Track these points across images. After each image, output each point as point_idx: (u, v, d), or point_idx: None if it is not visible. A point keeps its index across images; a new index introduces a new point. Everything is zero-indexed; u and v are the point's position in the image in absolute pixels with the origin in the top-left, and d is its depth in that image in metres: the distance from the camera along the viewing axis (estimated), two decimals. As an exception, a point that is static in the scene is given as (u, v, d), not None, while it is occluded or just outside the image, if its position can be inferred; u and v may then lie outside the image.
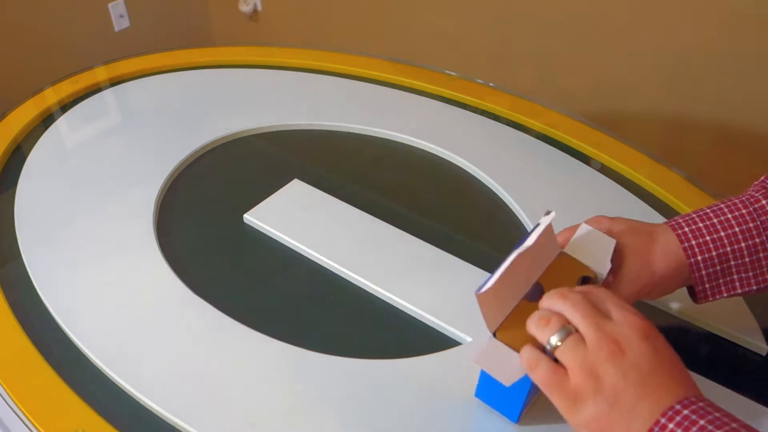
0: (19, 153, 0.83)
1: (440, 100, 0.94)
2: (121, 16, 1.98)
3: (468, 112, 0.91)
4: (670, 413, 0.36)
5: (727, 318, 0.59)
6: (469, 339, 0.58)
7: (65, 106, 0.92)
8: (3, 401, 0.53)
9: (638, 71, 1.46)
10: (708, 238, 0.50)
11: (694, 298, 0.53)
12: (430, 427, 0.50)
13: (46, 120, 0.89)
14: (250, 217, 0.71)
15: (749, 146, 1.40)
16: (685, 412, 0.36)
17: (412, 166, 0.82)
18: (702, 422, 0.35)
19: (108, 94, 0.95)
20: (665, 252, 0.50)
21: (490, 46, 1.66)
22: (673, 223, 0.51)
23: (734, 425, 0.35)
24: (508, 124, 0.88)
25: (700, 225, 0.50)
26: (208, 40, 2.30)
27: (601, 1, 1.42)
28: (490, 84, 0.97)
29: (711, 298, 0.52)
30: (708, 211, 0.51)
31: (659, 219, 0.71)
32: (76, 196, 0.74)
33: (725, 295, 0.51)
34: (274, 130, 0.88)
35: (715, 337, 0.59)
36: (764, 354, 0.58)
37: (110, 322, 0.59)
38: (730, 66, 1.33)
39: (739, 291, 0.51)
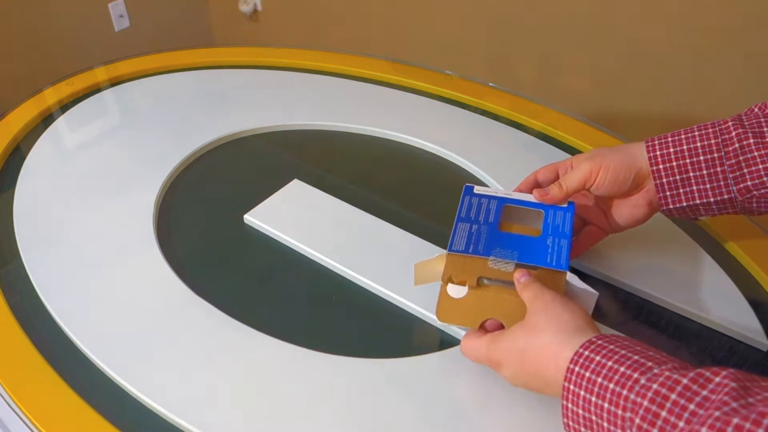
0: (18, 153, 0.83)
1: (440, 100, 0.94)
2: (121, 16, 1.98)
3: (468, 112, 0.91)
4: (586, 343, 0.42)
5: (727, 313, 0.59)
6: (469, 339, 0.58)
7: (65, 106, 0.92)
8: (4, 402, 0.53)
9: (638, 71, 1.46)
10: (671, 150, 0.56)
11: (660, 209, 0.58)
12: (431, 426, 0.50)
13: (46, 120, 0.89)
14: (251, 218, 0.71)
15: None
16: (599, 341, 0.42)
17: (412, 166, 0.82)
18: (611, 346, 0.41)
19: (108, 94, 0.95)
20: (631, 164, 0.56)
21: (490, 46, 1.66)
22: (648, 139, 0.57)
23: (637, 348, 0.41)
24: (508, 124, 0.88)
25: (669, 139, 0.56)
26: (208, 40, 2.30)
27: (601, 1, 1.42)
28: (490, 84, 0.97)
29: (672, 206, 0.57)
30: (681, 131, 0.57)
31: (660, 218, 0.71)
32: (75, 197, 0.74)
33: (684, 203, 0.56)
34: (274, 130, 0.88)
35: (716, 333, 0.59)
36: (765, 350, 0.58)
37: (110, 323, 0.59)
38: (731, 66, 1.33)
39: (698, 201, 0.56)
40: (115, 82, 0.98)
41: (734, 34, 1.29)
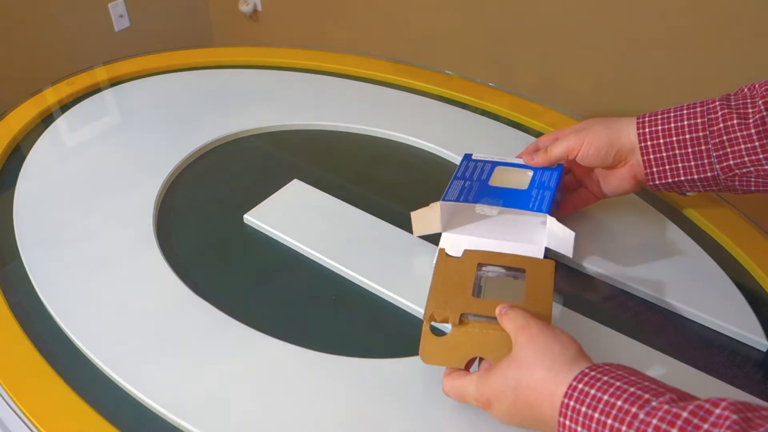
0: (18, 153, 0.83)
1: (440, 100, 0.94)
2: (121, 16, 1.98)
3: (468, 112, 0.91)
4: (579, 376, 0.41)
5: (726, 314, 0.59)
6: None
7: (65, 106, 0.92)
8: (4, 402, 0.53)
9: (638, 71, 1.46)
10: (659, 127, 0.57)
11: (647, 184, 0.60)
12: (431, 426, 0.50)
13: (46, 120, 0.89)
14: (251, 218, 0.71)
15: (749, 146, 1.39)
16: (593, 373, 0.41)
17: (412, 166, 0.82)
18: (605, 378, 0.40)
19: (108, 94, 0.95)
20: (614, 141, 0.59)
21: (490, 46, 1.66)
22: (639, 116, 0.59)
23: (633, 378, 0.39)
24: (508, 124, 0.88)
25: (659, 117, 0.58)
26: (208, 40, 2.30)
27: (601, 1, 1.42)
28: (490, 84, 0.97)
29: (658, 181, 0.59)
30: (671, 108, 0.58)
31: (660, 218, 0.71)
32: (75, 197, 0.74)
33: (670, 180, 0.58)
34: (274, 130, 0.88)
35: (716, 333, 0.59)
36: (764, 350, 0.58)
37: (110, 323, 0.59)
38: (731, 66, 1.33)
39: (683, 178, 0.58)
40: (115, 82, 0.98)
41: (734, 34, 1.29)
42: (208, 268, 0.66)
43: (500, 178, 0.66)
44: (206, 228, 0.72)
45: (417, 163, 0.82)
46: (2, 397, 0.53)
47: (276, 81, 0.98)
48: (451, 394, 0.49)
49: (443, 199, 0.63)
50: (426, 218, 0.64)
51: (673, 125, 0.57)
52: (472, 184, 0.65)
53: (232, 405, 0.52)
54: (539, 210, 0.61)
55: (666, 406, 0.36)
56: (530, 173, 0.66)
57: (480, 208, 0.63)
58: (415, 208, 0.65)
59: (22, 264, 0.65)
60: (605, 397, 0.39)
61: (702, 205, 0.73)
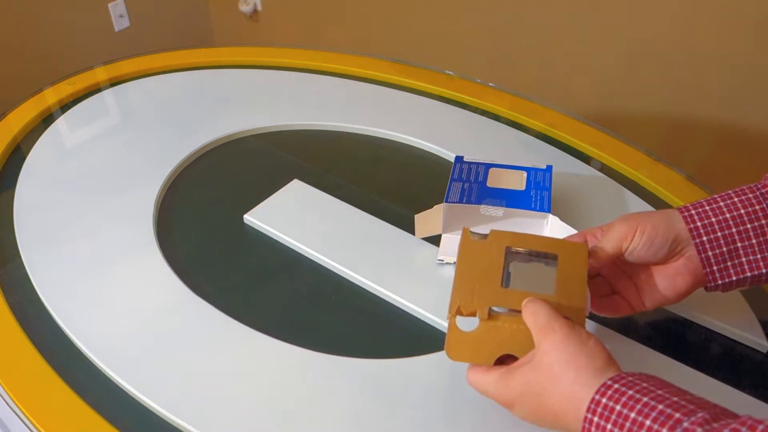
0: (18, 153, 0.83)
1: (440, 100, 0.94)
2: (121, 16, 1.98)
3: (468, 112, 0.91)
4: (603, 389, 0.39)
5: (727, 315, 0.59)
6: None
7: (65, 106, 0.92)
8: (4, 402, 0.53)
9: (638, 71, 1.46)
10: (713, 219, 0.50)
11: (705, 286, 0.52)
12: (431, 426, 0.50)
13: (46, 120, 0.89)
14: (251, 218, 0.71)
15: (749, 145, 1.40)
16: (616, 386, 0.39)
17: (412, 166, 0.82)
18: (630, 392, 0.38)
19: (108, 94, 0.95)
20: (669, 228, 0.50)
21: (490, 46, 1.66)
22: (681, 207, 0.51)
23: (660, 392, 0.37)
24: (508, 124, 0.88)
25: (707, 208, 0.50)
26: (208, 40, 2.30)
27: (601, 1, 1.42)
28: (490, 84, 0.97)
29: (720, 281, 0.51)
30: (716, 197, 0.51)
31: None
32: (75, 197, 0.74)
33: (734, 278, 0.51)
34: (274, 130, 0.88)
35: (716, 335, 0.59)
36: (765, 351, 0.58)
37: (110, 323, 0.59)
38: (731, 65, 1.33)
39: (749, 274, 0.50)
40: (115, 82, 0.97)
41: (734, 34, 1.29)
42: (208, 268, 0.66)
43: (497, 180, 0.67)
44: (206, 228, 0.72)
45: (417, 163, 0.82)
46: (2, 397, 0.53)
47: (276, 81, 0.98)
48: (473, 387, 0.47)
49: (446, 201, 0.64)
50: (429, 220, 0.65)
51: (728, 215, 0.50)
52: (471, 186, 0.66)
53: (232, 405, 0.52)
54: (541, 210, 0.62)
55: (699, 429, 0.34)
56: (524, 174, 0.67)
57: (485, 210, 0.64)
58: (415, 209, 0.65)
59: (22, 264, 0.65)
60: (632, 415, 0.37)
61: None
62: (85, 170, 0.78)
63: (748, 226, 0.50)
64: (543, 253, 0.50)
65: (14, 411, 0.52)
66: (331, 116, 0.89)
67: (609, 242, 0.51)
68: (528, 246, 0.50)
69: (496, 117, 0.90)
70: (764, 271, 0.50)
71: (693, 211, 0.51)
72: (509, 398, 0.44)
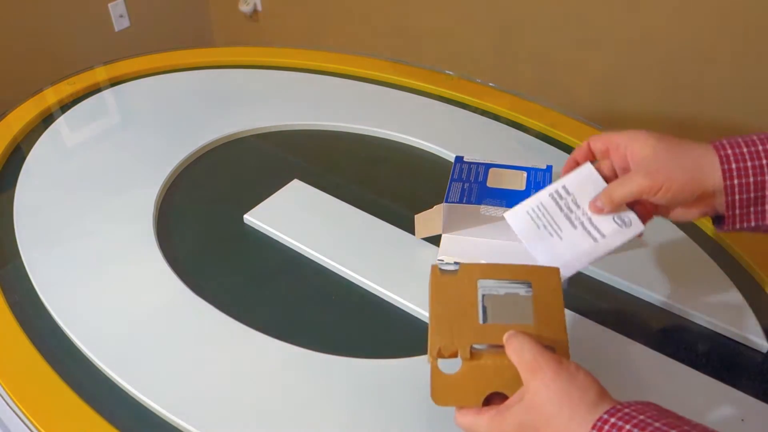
0: (18, 153, 0.83)
1: (440, 100, 0.94)
2: (121, 16, 1.98)
3: (468, 112, 0.91)
4: (599, 423, 0.37)
5: (727, 314, 0.59)
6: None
7: (65, 106, 0.92)
8: (4, 402, 0.53)
9: (638, 71, 1.46)
10: (749, 163, 0.48)
11: (719, 226, 0.51)
12: (431, 426, 0.50)
13: (46, 120, 0.89)
14: (251, 218, 0.71)
15: (749, 146, 1.39)
16: (612, 420, 0.37)
17: (412, 166, 0.82)
18: (628, 426, 0.36)
19: (108, 94, 0.95)
20: (697, 185, 0.48)
21: (490, 45, 1.66)
22: (717, 143, 0.49)
23: (657, 424, 0.36)
24: (508, 124, 0.88)
25: (744, 150, 0.48)
26: (208, 40, 2.30)
27: (600, 1, 1.42)
28: (490, 84, 0.97)
29: (738, 225, 0.50)
30: (755, 138, 0.49)
31: (659, 218, 0.71)
32: (75, 197, 0.74)
33: (753, 224, 0.49)
34: (274, 130, 0.88)
35: (716, 335, 0.59)
36: (764, 351, 0.58)
37: (110, 323, 0.59)
38: (730, 65, 1.33)
39: None
40: (115, 82, 0.97)
41: (735, 34, 1.29)
42: (208, 268, 0.66)
43: (497, 180, 0.66)
44: (206, 228, 0.72)
45: (417, 163, 0.82)
46: (2, 397, 0.53)
47: (276, 81, 0.98)
48: (464, 430, 0.45)
49: (446, 201, 0.64)
50: (429, 221, 0.65)
51: (765, 161, 0.48)
52: (471, 186, 0.65)
53: (232, 405, 0.52)
54: None
55: None
56: (524, 174, 0.67)
57: (485, 210, 0.63)
58: (415, 209, 0.65)
59: (22, 264, 0.65)
60: None
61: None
62: (85, 170, 0.78)
63: None
64: (516, 281, 0.49)
65: (14, 411, 0.52)
66: (331, 116, 0.89)
67: (623, 191, 0.50)
68: (499, 276, 0.49)
69: (496, 117, 0.90)
70: None
71: (729, 151, 0.48)
72: None
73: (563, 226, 0.52)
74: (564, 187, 0.53)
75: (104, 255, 0.66)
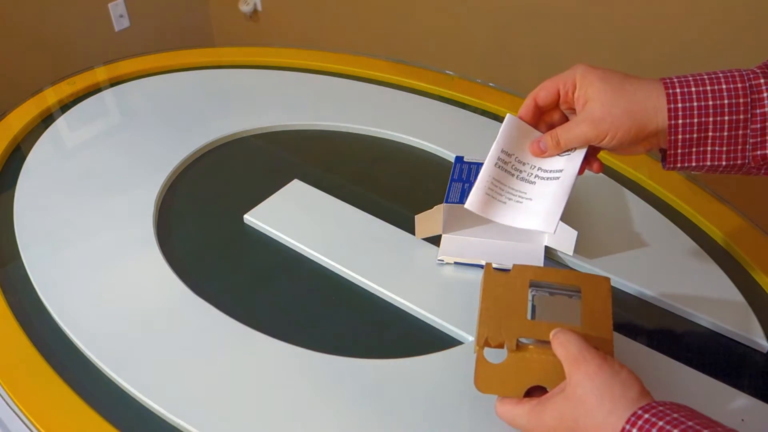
0: (18, 153, 0.83)
1: (440, 100, 0.94)
2: (121, 16, 1.98)
3: (468, 112, 0.91)
4: (633, 418, 0.38)
5: (727, 315, 0.59)
6: (470, 338, 0.58)
7: (65, 106, 0.92)
8: (4, 402, 0.53)
9: (638, 71, 1.46)
10: (695, 104, 0.47)
11: (663, 163, 0.51)
12: (431, 426, 0.50)
13: (46, 120, 0.89)
14: (251, 218, 0.71)
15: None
16: (646, 416, 0.38)
17: (412, 166, 0.82)
18: (661, 423, 0.37)
19: (108, 94, 0.95)
20: (641, 129, 0.48)
21: (490, 45, 1.66)
22: (667, 81, 0.49)
23: (690, 423, 0.36)
24: (508, 124, 0.88)
25: (692, 89, 0.48)
26: (208, 40, 2.30)
27: (601, 0, 1.42)
28: (490, 84, 0.97)
29: (679, 164, 0.49)
30: (705, 77, 0.48)
31: (660, 219, 0.71)
32: (75, 197, 0.74)
33: (693, 164, 0.49)
34: (274, 130, 0.88)
35: (717, 335, 0.59)
36: (765, 352, 0.58)
37: (110, 323, 0.59)
38: (730, 65, 1.33)
39: (708, 164, 0.49)
40: (115, 82, 0.97)
41: (735, 34, 1.29)
42: (208, 268, 0.66)
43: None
44: (206, 228, 0.72)
45: (417, 163, 0.82)
46: (2, 397, 0.53)
47: (276, 81, 0.98)
48: (503, 419, 0.46)
49: (446, 201, 0.63)
50: (430, 221, 0.65)
51: (711, 102, 0.47)
52: (471, 186, 0.65)
53: (232, 405, 0.52)
54: None
55: None
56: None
57: None
58: (415, 209, 0.65)
59: (22, 264, 0.65)
60: None
61: (702, 204, 0.73)
62: (85, 170, 0.78)
63: (726, 118, 0.47)
64: (566, 286, 0.51)
65: (14, 411, 0.52)
66: (331, 116, 0.89)
67: (568, 137, 0.50)
68: (551, 279, 0.51)
69: (496, 117, 0.90)
70: (723, 163, 0.49)
71: (678, 90, 0.48)
72: (541, 431, 0.43)
73: (524, 188, 0.51)
74: (503, 151, 0.51)
75: (104, 255, 0.66)
